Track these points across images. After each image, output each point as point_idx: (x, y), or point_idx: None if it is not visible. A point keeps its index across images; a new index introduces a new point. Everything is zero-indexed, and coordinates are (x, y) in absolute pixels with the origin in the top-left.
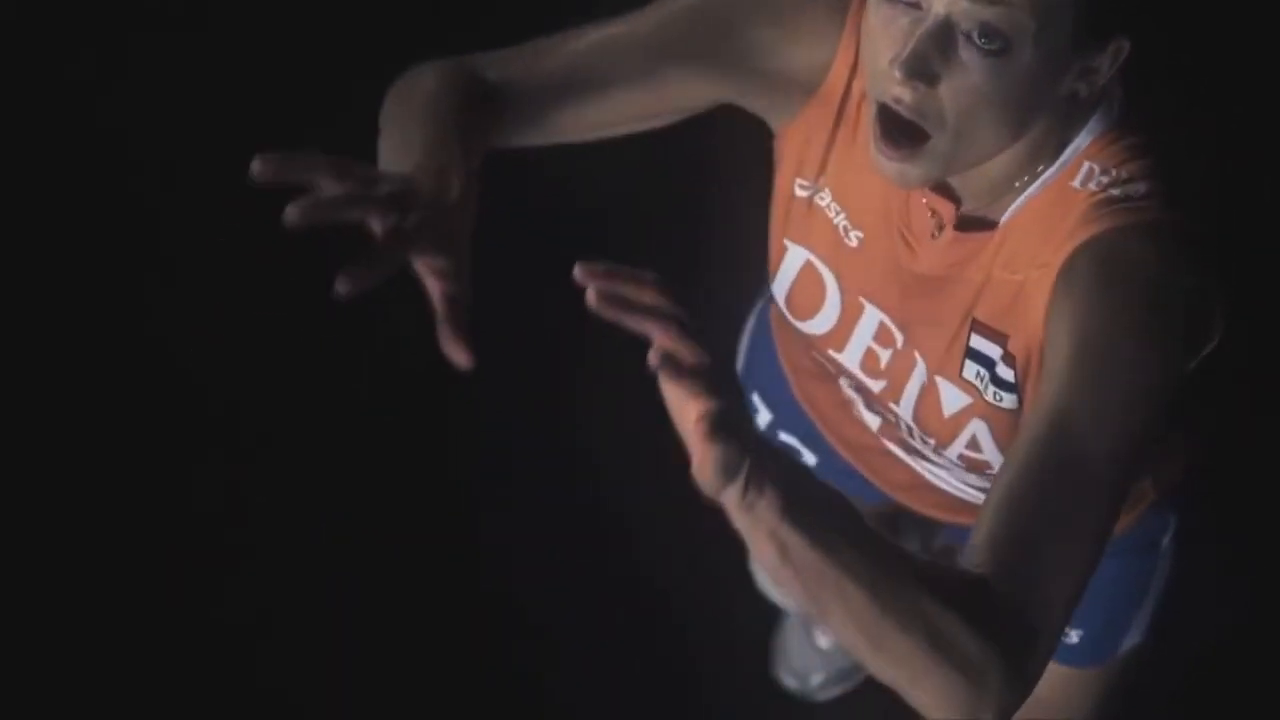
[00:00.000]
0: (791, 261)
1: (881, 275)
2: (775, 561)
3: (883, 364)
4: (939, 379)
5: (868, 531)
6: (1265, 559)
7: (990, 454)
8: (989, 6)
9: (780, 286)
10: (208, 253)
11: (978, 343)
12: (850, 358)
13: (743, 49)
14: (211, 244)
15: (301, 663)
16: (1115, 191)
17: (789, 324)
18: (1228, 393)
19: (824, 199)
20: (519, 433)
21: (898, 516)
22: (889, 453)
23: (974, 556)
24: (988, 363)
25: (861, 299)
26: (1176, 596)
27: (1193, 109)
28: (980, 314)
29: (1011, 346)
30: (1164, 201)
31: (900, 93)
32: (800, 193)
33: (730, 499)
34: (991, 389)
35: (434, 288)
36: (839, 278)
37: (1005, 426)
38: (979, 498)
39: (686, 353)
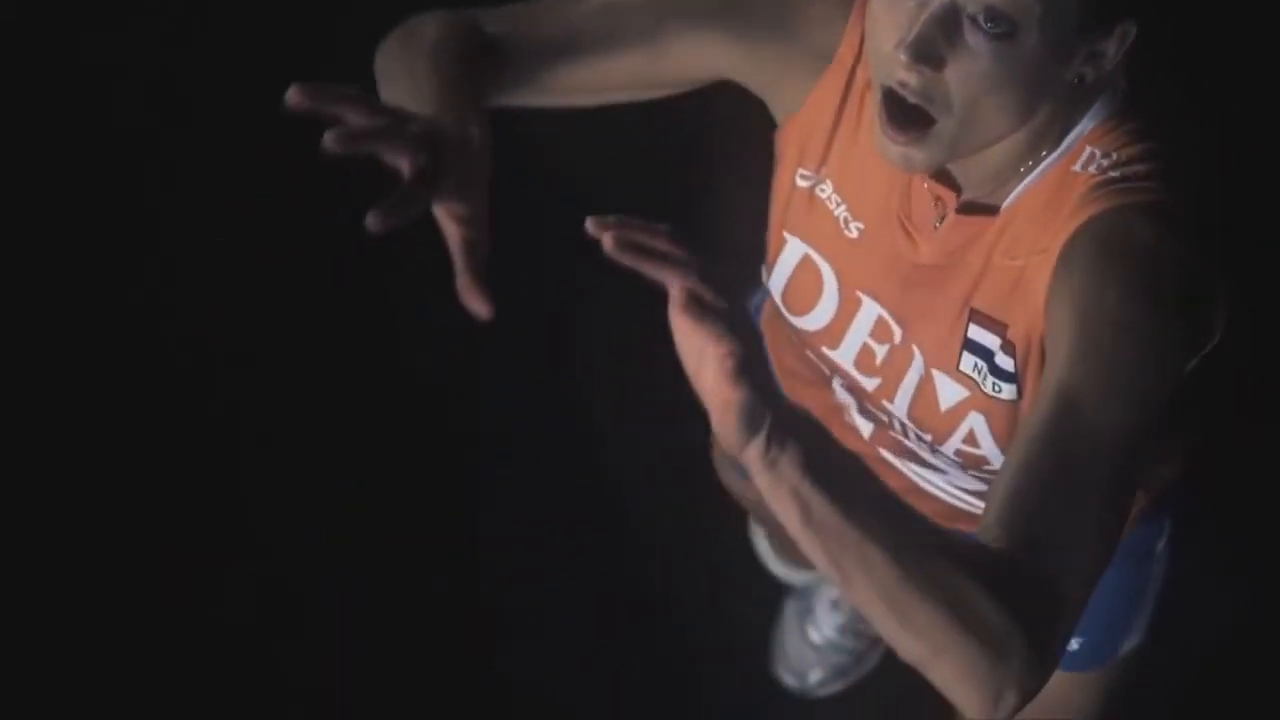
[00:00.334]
0: (789, 255)
1: (881, 267)
2: (797, 523)
3: (878, 361)
4: (936, 372)
5: (888, 496)
6: (1261, 558)
7: (988, 448)
8: None
9: (777, 280)
10: (207, 251)
11: (976, 333)
12: (844, 355)
13: (749, 21)
14: (211, 243)
15: (301, 662)
16: (1115, 174)
17: (782, 324)
18: (1217, 397)
19: (825, 190)
20: (519, 430)
21: None
22: (882, 460)
23: (988, 533)
24: (986, 354)
25: (859, 293)
26: (1174, 597)
27: (1196, 97)
28: (979, 303)
29: (1011, 335)
30: (1165, 184)
31: (905, 77)
32: (801, 183)
33: (753, 454)
34: (990, 380)
35: (454, 234)
36: (838, 272)
37: (1003, 419)
38: (975, 506)
39: (708, 295)
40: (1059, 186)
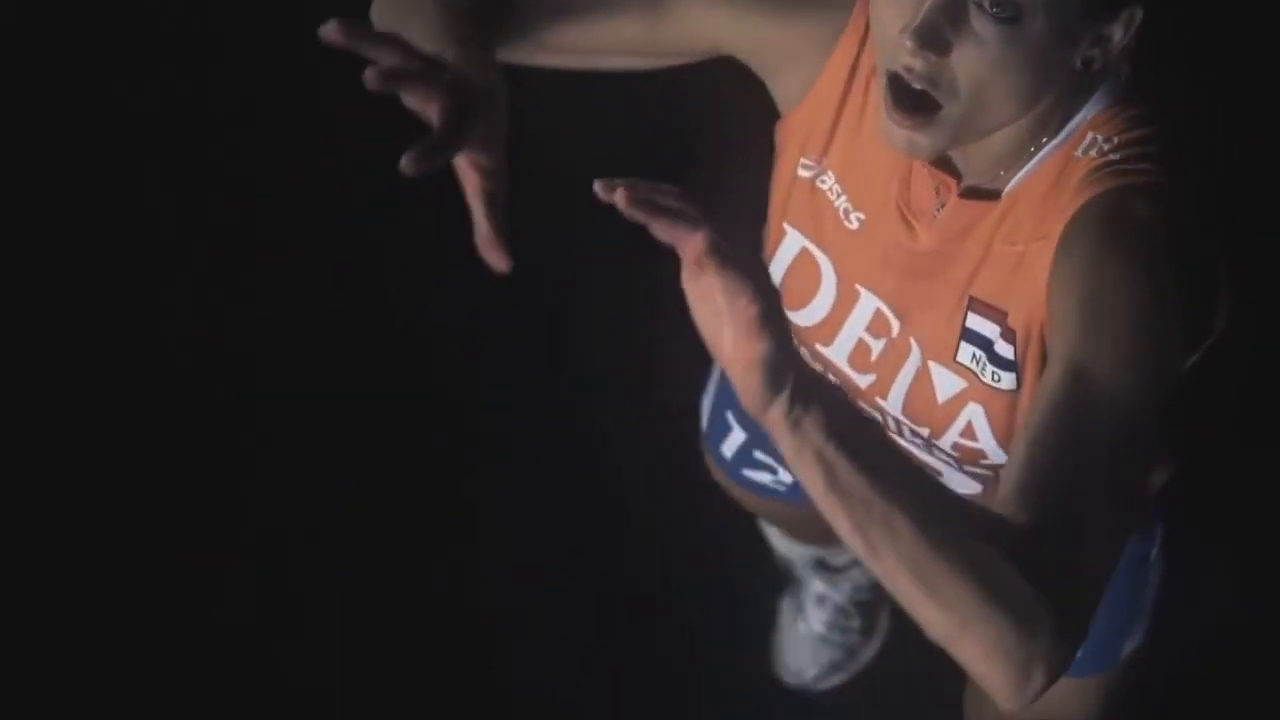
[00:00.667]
0: (788, 247)
1: (881, 258)
2: (822, 488)
3: (873, 356)
4: (933, 364)
5: (911, 464)
6: (1259, 558)
7: (985, 441)
8: None
9: (774, 273)
10: (207, 251)
11: (975, 322)
12: (839, 351)
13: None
14: (210, 243)
15: (300, 662)
16: (1114, 156)
17: None
18: (1213, 398)
19: (826, 181)
20: (519, 428)
21: None
22: None
23: (1006, 508)
24: (984, 343)
25: (858, 286)
26: (1174, 597)
27: (1199, 83)
28: (978, 290)
29: (1011, 321)
30: (1165, 167)
31: (911, 62)
32: (803, 173)
33: (776, 415)
34: (990, 370)
35: (474, 184)
36: (836, 265)
37: (1002, 410)
38: None
39: (726, 245)
40: (1061, 172)
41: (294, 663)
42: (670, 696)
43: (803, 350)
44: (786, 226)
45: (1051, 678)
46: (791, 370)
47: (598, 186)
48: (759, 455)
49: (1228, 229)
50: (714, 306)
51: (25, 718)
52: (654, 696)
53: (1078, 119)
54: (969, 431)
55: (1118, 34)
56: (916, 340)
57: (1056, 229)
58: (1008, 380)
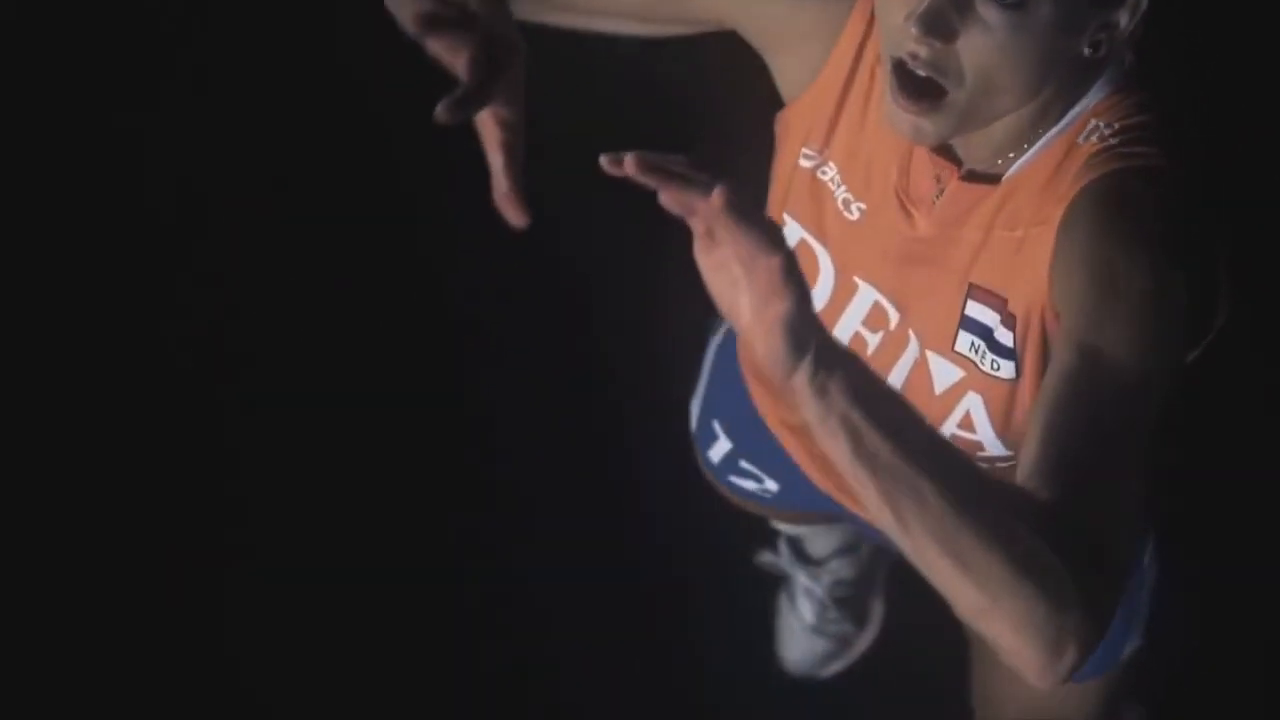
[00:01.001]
0: (787, 238)
1: (881, 248)
2: (848, 455)
3: (869, 350)
4: (931, 354)
5: (936, 433)
6: (1257, 558)
7: (984, 433)
8: None
9: None
10: (206, 251)
11: (974, 310)
12: None
13: None
14: (209, 243)
15: (299, 663)
16: (1115, 141)
17: None
18: (1211, 400)
19: (827, 172)
20: (518, 420)
21: (877, 550)
22: None
23: (1027, 486)
24: (984, 331)
25: (856, 278)
26: (1173, 598)
27: (1202, 73)
28: (978, 277)
29: (1012, 307)
30: (1167, 151)
31: (916, 49)
32: (804, 163)
33: (801, 380)
34: (989, 358)
35: (495, 136)
36: (835, 257)
37: (1001, 400)
38: None
39: (740, 202)
40: (1062, 159)
41: (292, 663)
42: (676, 684)
43: None
44: (786, 217)
45: (1083, 654)
46: (814, 332)
47: (604, 160)
48: (745, 465)
49: (1229, 224)
50: (729, 276)
51: (25, 717)
52: (661, 684)
53: (1080, 106)
54: (967, 422)
55: (1123, 20)
56: (915, 331)
57: (1057, 213)
58: (1007, 369)
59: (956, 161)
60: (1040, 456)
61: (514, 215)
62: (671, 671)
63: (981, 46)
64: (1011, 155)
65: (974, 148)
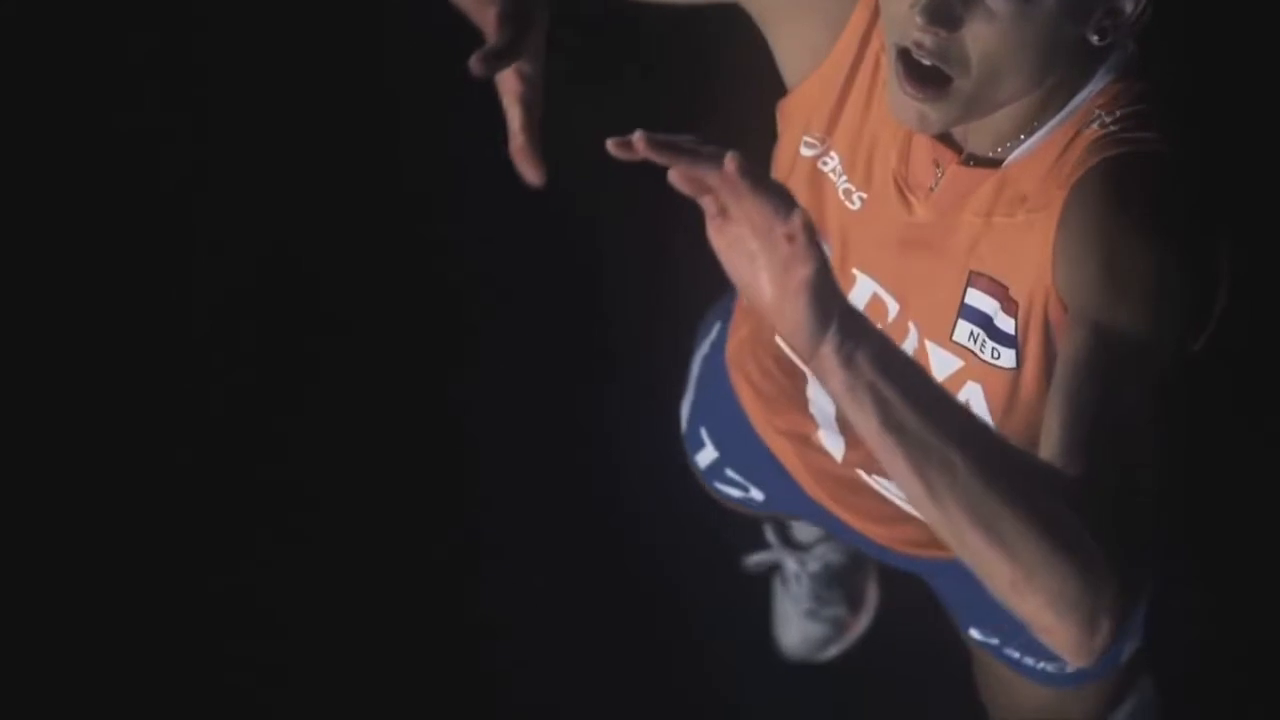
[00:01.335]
0: None
1: (881, 238)
2: (877, 426)
3: None
4: (930, 344)
5: (961, 405)
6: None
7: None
8: None
9: None
10: (204, 250)
11: (974, 298)
12: None
13: None
14: (207, 242)
15: (297, 663)
16: (1116, 128)
17: (752, 346)
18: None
19: (829, 163)
20: (515, 419)
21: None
22: (858, 482)
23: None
24: (983, 319)
25: (855, 270)
26: (1170, 599)
27: (1205, 61)
28: (978, 264)
29: (1013, 294)
30: (1168, 137)
31: (921, 38)
32: (806, 152)
33: (827, 350)
34: (990, 346)
35: (514, 90)
36: (835, 248)
37: (1001, 389)
38: None
39: (752, 169)
40: (1065, 147)
41: (290, 663)
42: (675, 670)
43: (790, 348)
44: None
45: (1116, 631)
46: (837, 300)
47: (611, 144)
48: (730, 473)
49: (1231, 210)
50: (746, 253)
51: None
52: (657, 671)
53: (1084, 94)
54: None
55: (1129, 7)
56: (914, 322)
57: (1059, 198)
58: (1007, 357)
59: (957, 148)
60: (1061, 437)
61: (530, 172)
62: (670, 659)
63: (987, 35)
64: (1012, 142)
65: (975, 134)
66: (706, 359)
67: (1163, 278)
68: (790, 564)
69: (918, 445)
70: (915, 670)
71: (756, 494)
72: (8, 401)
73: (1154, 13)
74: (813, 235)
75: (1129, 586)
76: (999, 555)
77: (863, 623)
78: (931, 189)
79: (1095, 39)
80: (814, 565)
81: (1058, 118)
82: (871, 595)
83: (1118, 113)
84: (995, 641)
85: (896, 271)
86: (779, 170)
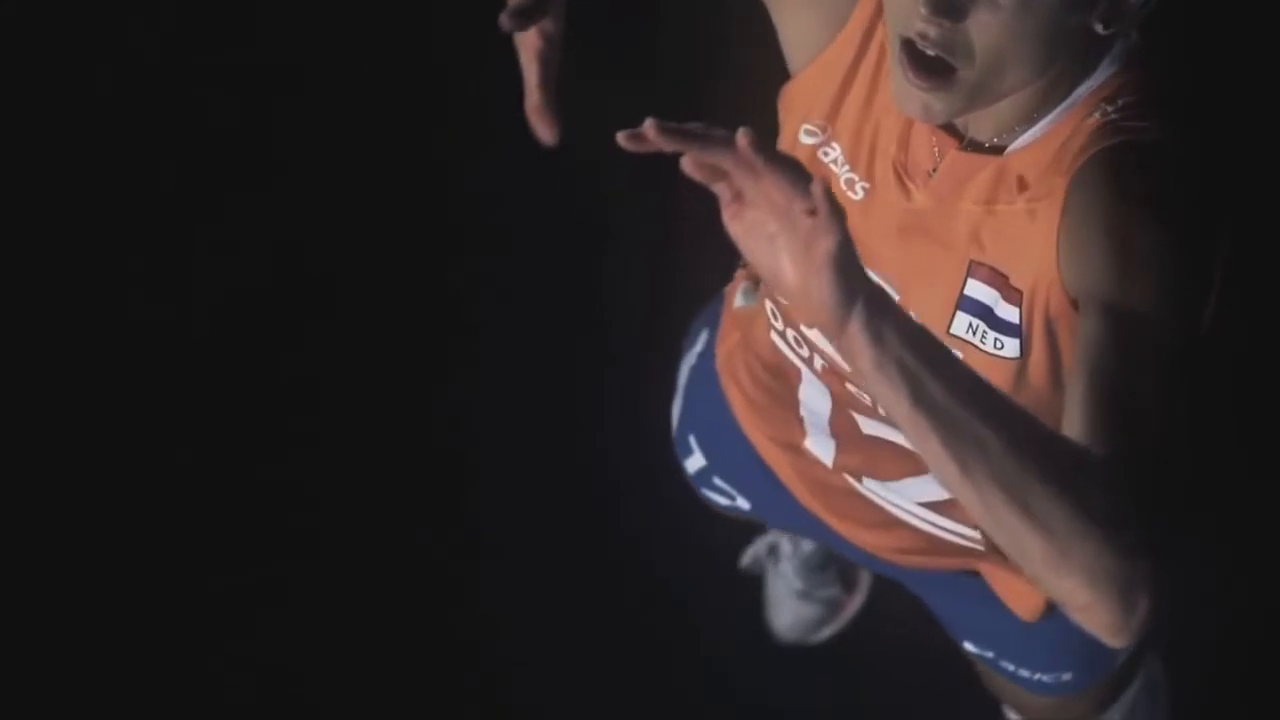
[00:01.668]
0: None
1: (883, 228)
2: (908, 404)
3: None
4: None
5: (983, 378)
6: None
7: None
8: None
9: None
10: (203, 250)
11: (973, 289)
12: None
13: None
14: (205, 241)
15: (297, 662)
16: (1119, 116)
17: (742, 351)
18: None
19: (830, 153)
20: (513, 418)
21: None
22: (848, 488)
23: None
24: (983, 310)
25: None
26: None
27: (1208, 52)
28: (979, 254)
29: (1014, 282)
30: (1171, 125)
31: (925, 28)
32: (806, 140)
33: (855, 327)
34: (991, 337)
35: (534, 48)
36: None
37: (1003, 380)
38: (951, 534)
39: (766, 145)
40: (1069, 136)
41: (290, 662)
42: (668, 658)
43: (788, 331)
44: None
45: (1153, 607)
46: (861, 275)
47: (621, 137)
48: (718, 481)
49: (1233, 200)
50: (766, 236)
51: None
52: (649, 661)
53: (1088, 85)
54: None
55: None
56: (914, 313)
57: (1061, 185)
58: (1011, 347)
59: (957, 135)
60: (1084, 419)
61: (544, 130)
62: (670, 657)
63: (991, 25)
64: (1014, 130)
65: (976, 122)
66: (694, 368)
67: (1170, 256)
68: (784, 545)
69: (949, 422)
70: (903, 651)
71: (743, 503)
72: (8, 401)
73: (1158, 2)
74: (834, 205)
75: (1159, 568)
76: (1035, 532)
77: (856, 603)
78: (930, 174)
79: (1100, 28)
80: (807, 546)
81: (1061, 107)
82: (865, 576)
83: (1121, 102)
84: (990, 654)
85: (898, 261)
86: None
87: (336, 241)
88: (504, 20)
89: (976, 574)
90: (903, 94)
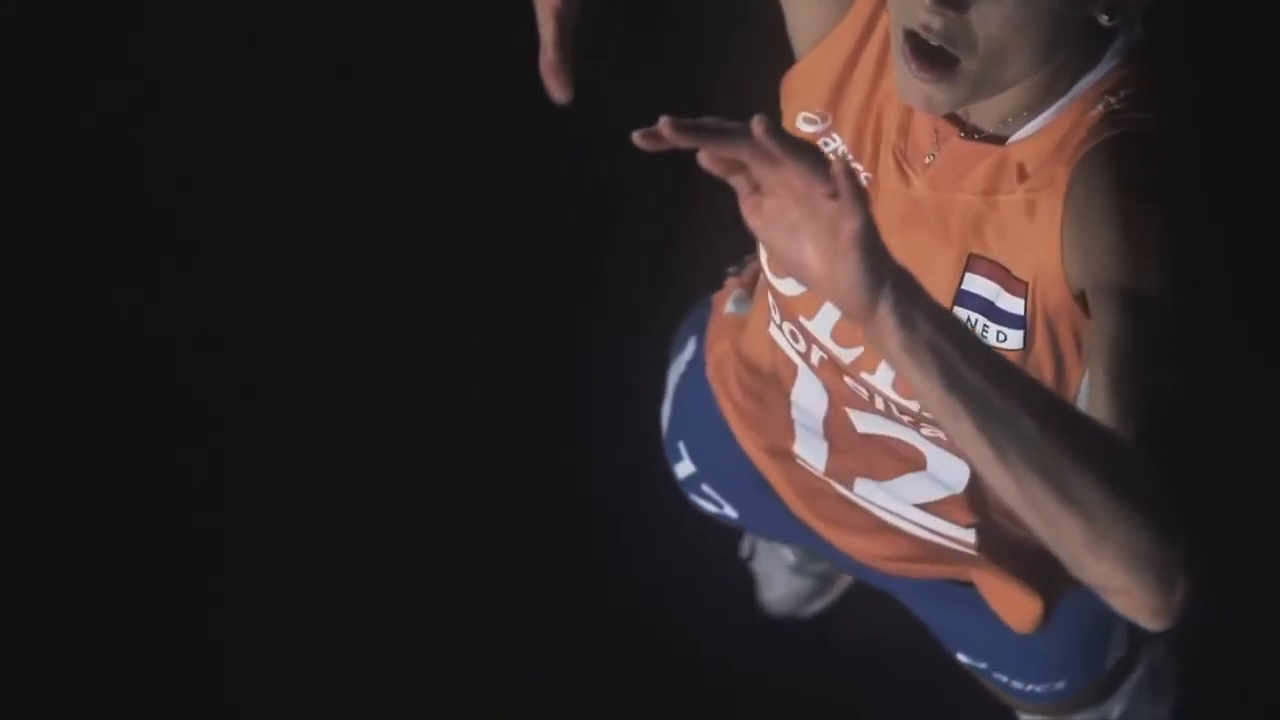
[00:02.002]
0: None
1: (885, 217)
2: (941, 388)
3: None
4: None
5: (1011, 361)
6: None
7: None
8: None
9: None
10: (202, 249)
11: (972, 283)
12: (822, 324)
13: None
14: (205, 241)
15: (296, 662)
16: (1121, 108)
17: (732, 357)
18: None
19: (831, 144)
20: (513, 417)
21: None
22: (838, 495)
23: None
24: (983, 305)
25: None
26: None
27: (1211, 45)
28: (979, 246)
29: (1016, 274)
30: (1173, 118)
31: (929, 20)
32: (805, 127)
33: (885, 309)
34: (994, 330)
35: (552, 7)
36: None
37: None
38: (943, 538)
39: (784, 133)
40: (1070, 128)
41: (288, 663)
42: (658, 638)
43: (785, 324)
44: None
45: (1191, 589)
46: (888, 257)
47: (637, 136)
48: (706, 489)
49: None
50: (788, 225)
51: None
52: (638, 641)
53: (1090, 77)
54: None
55: None
56: None
57: (1063, 175)
58: (1014, 338)
59: (958, 123)
60: (1109, 407)
61: (557, 89)
62: (670, 655)
63: (994, 16)
64: (1015, 121)
65: (978, 112)
66: (683, 376)
67: (1179, 243)
68: None
69: (982, 405)
70: (894, 624)
71: (730, 511)
72: (8, 401)
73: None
74: (856, 185)
75: (1196, 552)
76: (1072, 514)
77: (848, 577)
78: (929, 160)
79: (1103, 20)
80: None
81: (1063, 100)
82: None
83: (1123, 94)
84: (984, 666)
85: (899, 252)
86: None
87: (336, 242)
88: None
89: (969, 584)
90: (905, 85)
